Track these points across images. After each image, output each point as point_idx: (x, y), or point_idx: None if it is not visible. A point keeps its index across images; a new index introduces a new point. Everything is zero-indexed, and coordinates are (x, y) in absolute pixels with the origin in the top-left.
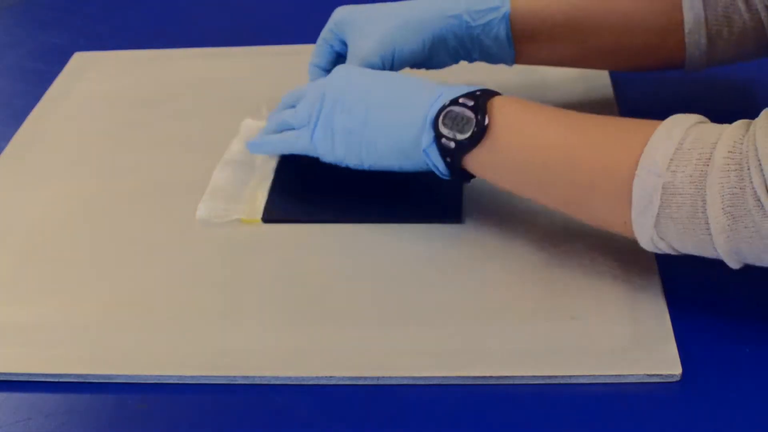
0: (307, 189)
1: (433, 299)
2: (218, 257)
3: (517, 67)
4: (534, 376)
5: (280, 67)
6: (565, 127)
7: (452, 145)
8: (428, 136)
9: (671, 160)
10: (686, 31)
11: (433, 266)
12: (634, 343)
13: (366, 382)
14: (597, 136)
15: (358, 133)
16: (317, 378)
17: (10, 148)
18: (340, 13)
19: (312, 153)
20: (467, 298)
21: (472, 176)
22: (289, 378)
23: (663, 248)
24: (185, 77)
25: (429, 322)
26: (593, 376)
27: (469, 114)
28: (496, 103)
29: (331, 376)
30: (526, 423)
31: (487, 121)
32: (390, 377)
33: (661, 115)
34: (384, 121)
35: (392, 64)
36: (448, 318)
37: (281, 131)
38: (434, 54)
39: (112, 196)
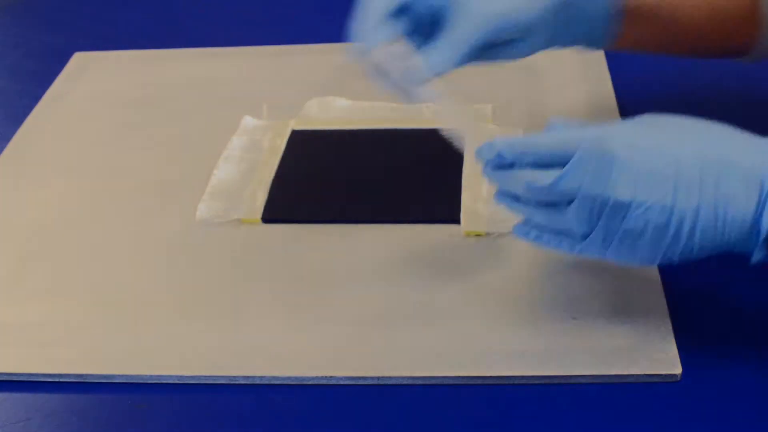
0: (307, 189)
1: (433, 299)
2: (218, 257)
3: (517, 72)
4: (534, 376)
5: (280, 67)
6: None
7: None
8: (762, 252)
9: None
10: (766, 24)
11: (432, 266)
12: (634, 343)
13: (366, 382)
14: None
15: (669, 243)
16: (317, 378)
17: (10, 148)
18: None
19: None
20: (467, 298)
21: None
22: (289, 378)
23: None
24: (185, 77)
25: (429, 322)
26: (593, 376)
27: None
28: None
29: (331, 376)
30: (526, 423)
31: None
32: (390, 377)
33: (662, 111)
34: (701, 227)
35: (495, 30)
36: (448, 318)
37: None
38: (543, 27)
39: (112, 195)
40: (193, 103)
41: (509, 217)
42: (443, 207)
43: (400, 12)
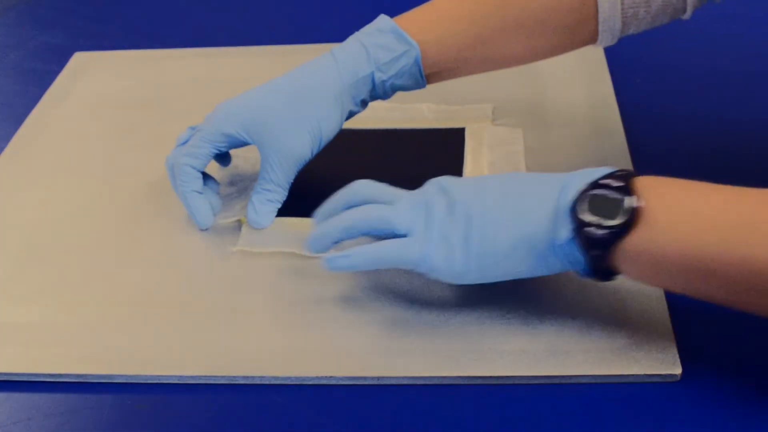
0: (307, 189)
1: (434, 299)
2: (218, 257)
3: (517, 72)
4: (534, 376)
5: (279, 67)
6: (744, 204)
7: (599, 233)
8: (567, 227)
9: None
10: (600, 20)
11: None
12: (634, 343)
13: (366, 382)
14: None
15: (477, 237)
16: (317, 378)
17: (10, 148)
18: (237, 113)
19: (416, 268)
20: (467, 298)
21: (614, 274)
22: (289, 378)
23: None
24: (185, 77)
25: (429, 322)
26: (593, 376)
27: (617, 195)
28: (643, 183)
29: (331, 376)
30: (526, 423)
31: (640, 203)
32: (390, 377)
33: (664, 113)
34: (507, 215)
35: (319, 147)
36: (448, 318)
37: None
38: (350, 116)
39: (112, 196)
40: (193, 103)
41: None
42: None
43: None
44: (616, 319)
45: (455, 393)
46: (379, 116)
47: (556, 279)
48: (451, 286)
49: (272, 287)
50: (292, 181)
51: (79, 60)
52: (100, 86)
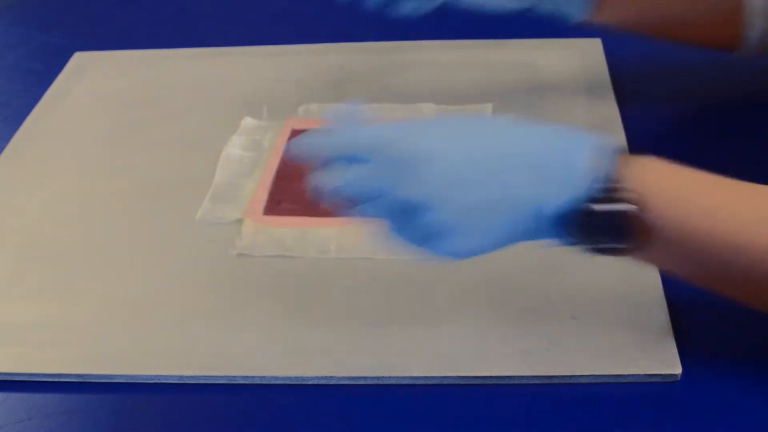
0: (307, 188)
1: (433, 299)
2: (218, 257)
3: (517, 72)
4: (534, 376)
5: (280, 67)
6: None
7: (609, 249)
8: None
9: None
10: (748, 13)
11: (432, 266)
12: (634, 343)
13: (366, 382)
14: None
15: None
16: (317, 378)
17: (10, 148)
18: None
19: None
20: (467, 298)
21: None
22: (289, 378)
23: None
24: (185, 77)
25: (429, 322)
26: (593, 376)
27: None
28: (649, 182)
29: (331, 376)
30: (526, 423)
31: (649, 221)
32: (390, 377)
33: (664, 112)
34: (500, 222)
35: None
36: (448, 318)
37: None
38: None
39: (112, 195)
40: (193, 103)
41: None
42: None
43: None
44: (616, 319)
45: (455, 393)
46: (379, 116)
47: (556, 279)
48: (450, 286)
49: (272, 288)
50: None
51: (79, 60)
52: (100, 86)
